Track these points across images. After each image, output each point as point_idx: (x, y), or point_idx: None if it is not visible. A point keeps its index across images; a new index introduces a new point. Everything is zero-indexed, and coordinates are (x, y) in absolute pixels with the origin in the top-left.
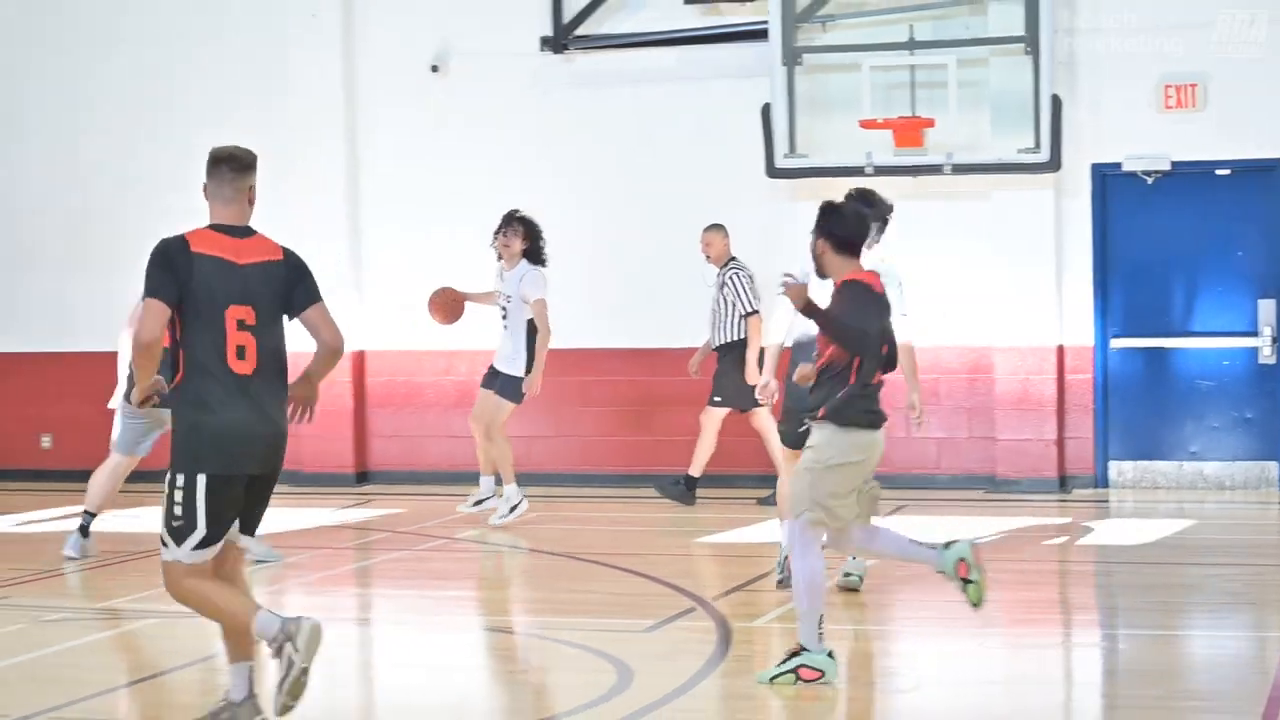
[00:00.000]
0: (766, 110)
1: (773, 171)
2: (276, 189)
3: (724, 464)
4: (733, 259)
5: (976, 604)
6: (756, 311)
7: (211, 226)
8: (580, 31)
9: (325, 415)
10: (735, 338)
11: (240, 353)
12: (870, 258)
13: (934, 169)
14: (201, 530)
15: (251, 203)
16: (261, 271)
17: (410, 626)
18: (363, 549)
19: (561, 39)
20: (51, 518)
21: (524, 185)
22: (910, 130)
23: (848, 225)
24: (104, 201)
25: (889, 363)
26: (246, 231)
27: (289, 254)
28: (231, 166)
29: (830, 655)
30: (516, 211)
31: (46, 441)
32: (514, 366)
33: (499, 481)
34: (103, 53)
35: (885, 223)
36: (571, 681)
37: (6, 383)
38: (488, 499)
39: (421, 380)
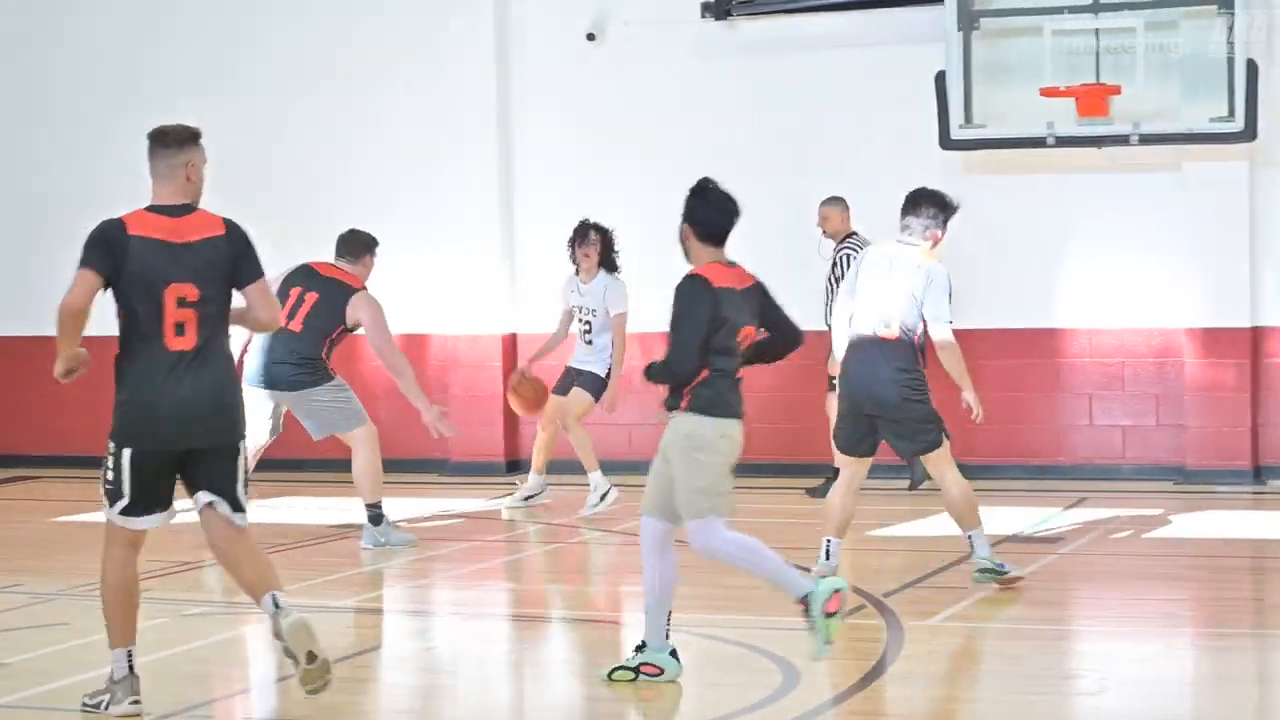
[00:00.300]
0: (941, 78)
1: (947, 143)
2: (429, 163)
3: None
4: (851, 234)
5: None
6: None
7: (148, 208)
8: None
9: (474, 401)
10: None
11: (179, 329)
12: (915, 255)
13: (1120, 139)
14: (126, 498)
15: (191, 179)
16: (203, 248)
17: (564, 623)
18: (513, 542)
19: (725, 4)
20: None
21: (683, 156)
22: (1095, 98)
23: (713, 213)
24: (248, 181)
25: (762, 351)
26: (185, 209)
27: (231, 227)
28: (165, 144)
29: (674, 654)
30: (591, 221)
31: None
32: (595, 366)
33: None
34: (251, 37)
35: (948, 218)
36: (735, 681)
37: None
38: (536, 495)
39: None
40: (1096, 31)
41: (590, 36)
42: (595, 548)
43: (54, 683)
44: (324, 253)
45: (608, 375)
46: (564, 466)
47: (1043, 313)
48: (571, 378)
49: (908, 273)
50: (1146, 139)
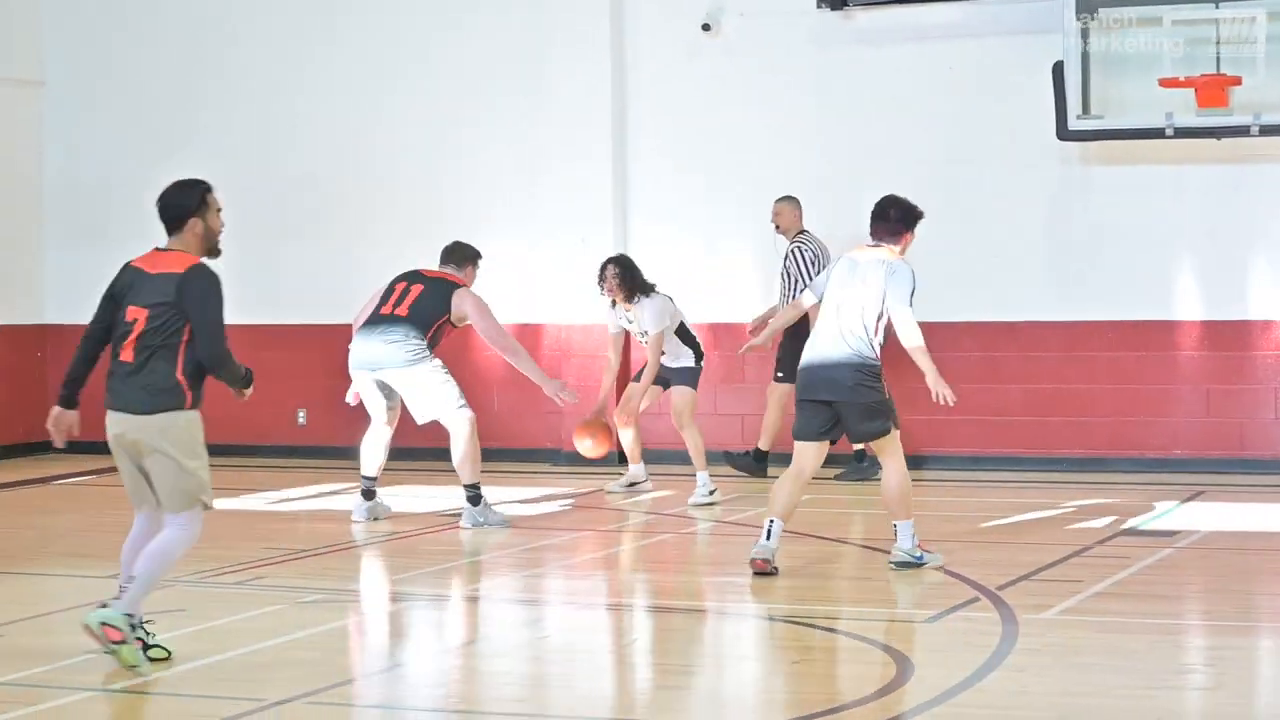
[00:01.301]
0: (1058, 68)
1: (1064, 134)
2: (543, 154)
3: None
4: (802, 232)
5: (132, 666)
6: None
7: None
8: None
9: (586, 392)
10: None
11: None
12: (881, 253)
13: (1240, 130)
14: None
15: None
16: None
17: (676, 614)
18: (625, 532)
19: None
20: (305, 496)
21: (798, 147)
22: (1214, 89)
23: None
24: (351, 175)
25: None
26: None
27: None
28: None
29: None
30: (607, 259)
31: (301, 417)
32: (682, 361)
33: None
34: (367, 27)
35: (914, 223)
36: (850, 673)
37: (262, 356)
38: (640, 482)
39: None
40: (1217, 22)
41: (705, 27)
42: (706, 539)
43: (179, 666)
44: (437, 247)
45: (698, 362)
46: (657, 456)
47: (1160, 304)
48: (663, 377)
49: (873, 270)
50: (1267, 130)
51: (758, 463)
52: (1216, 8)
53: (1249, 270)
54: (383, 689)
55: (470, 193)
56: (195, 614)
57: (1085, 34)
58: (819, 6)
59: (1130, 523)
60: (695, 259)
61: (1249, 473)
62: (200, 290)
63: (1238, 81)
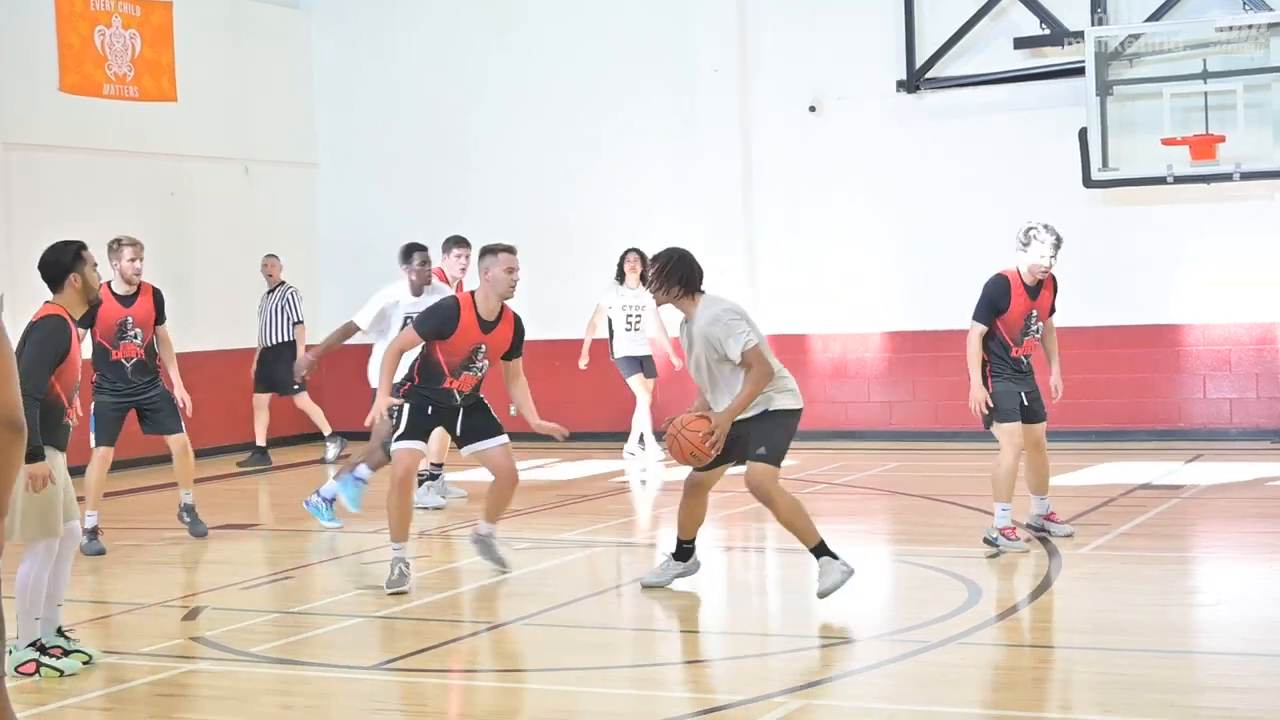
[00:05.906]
0: (1083, 133)
1: (1089, 183)
2: (687, 213)
3: None
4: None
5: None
6: None
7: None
8: (929, 75)
9: None
10: None
11: None
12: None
13: (1224, 177)
14: None
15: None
16: None
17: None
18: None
19: (914, 82)
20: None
21: (881, 199)
22: (1204, 146)
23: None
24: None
25: None
26: None
27: None
28: None
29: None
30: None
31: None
32: None
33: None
34: (541, 102)
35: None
36: (928, 597)
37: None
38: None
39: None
40: (1205, 94)
41: (811, 108)
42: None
43: (427, 597)
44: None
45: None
46: None
47: (1164, 311)
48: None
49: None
50: (1245, 176)
51: None
52: (1205, 83)
53: (1234, 284)
54: (580, 614)
55: (628, 234)
56: (436, 559)
57: (1103, 106)
58: (898, 91)
59: (1145, 480)
60: (813, 282)
61: (1236, 440)
62: (26, 336)
63: (1222, 139)
